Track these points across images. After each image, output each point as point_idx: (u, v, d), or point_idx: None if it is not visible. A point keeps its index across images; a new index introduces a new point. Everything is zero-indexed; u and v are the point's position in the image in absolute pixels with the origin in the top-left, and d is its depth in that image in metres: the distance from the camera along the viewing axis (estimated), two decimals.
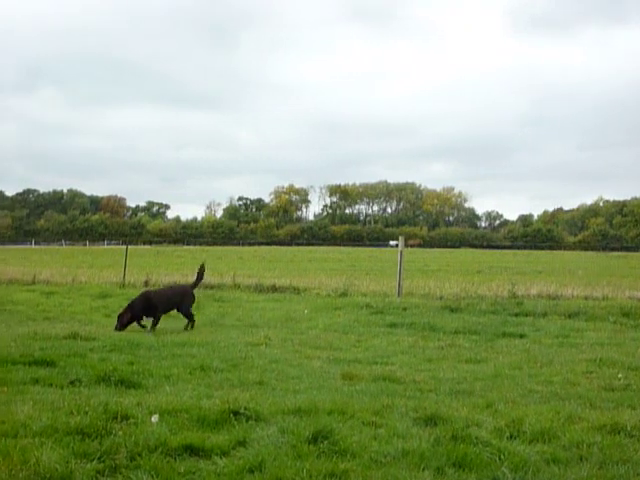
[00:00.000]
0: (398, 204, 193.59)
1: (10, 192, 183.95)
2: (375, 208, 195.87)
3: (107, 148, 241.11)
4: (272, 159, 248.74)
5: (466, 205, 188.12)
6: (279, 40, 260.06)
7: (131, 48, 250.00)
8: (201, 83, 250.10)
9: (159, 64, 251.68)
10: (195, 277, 18.11)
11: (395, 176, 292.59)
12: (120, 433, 6.52)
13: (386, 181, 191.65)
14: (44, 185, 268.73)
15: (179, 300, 16.67)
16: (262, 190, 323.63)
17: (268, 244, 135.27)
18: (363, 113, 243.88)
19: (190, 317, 16.56)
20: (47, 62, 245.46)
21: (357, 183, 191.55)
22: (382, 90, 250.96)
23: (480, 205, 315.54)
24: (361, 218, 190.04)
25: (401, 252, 24.20)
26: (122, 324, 15.53)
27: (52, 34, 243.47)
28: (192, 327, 16.30)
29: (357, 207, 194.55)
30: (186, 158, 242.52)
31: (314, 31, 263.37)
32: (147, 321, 16.10)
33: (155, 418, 7.04)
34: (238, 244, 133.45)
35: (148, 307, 16.05)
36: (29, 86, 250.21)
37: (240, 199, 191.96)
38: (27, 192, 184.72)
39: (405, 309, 19.63)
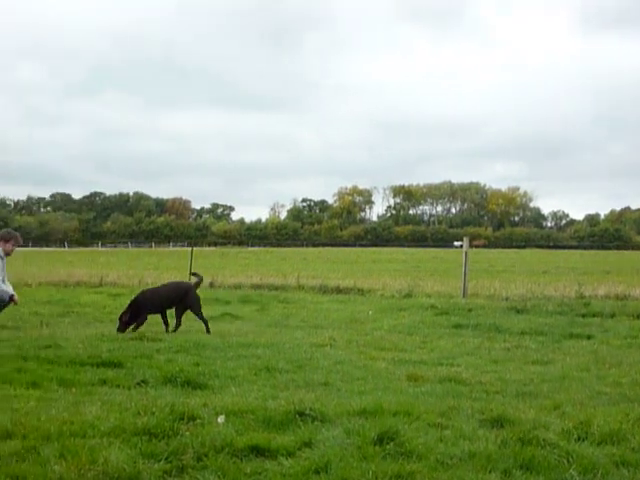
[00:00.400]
0: (462, 204, 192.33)
1: (77, 195, 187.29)
2: (439, 208, 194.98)
3: (171, 150, 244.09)
4: (335, 160, 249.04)
5: (531, 205, 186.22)
6: (341, 40, 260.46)
7: (195, 51, 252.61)
8: (264, 85, 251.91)
9: (222, 67, 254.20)
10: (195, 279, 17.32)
11: (459, 176, 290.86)
12: (187, 434, 6.58)
13: (450, 181, 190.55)
14: (110, 188, 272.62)
15: (179, 297, 15.89)
16: (325, 191, 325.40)
17: (332, 245, 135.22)
18: (426, 112, 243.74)
19: (200, 317, 15.73)
20: (113, 66, 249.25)
21: (421, 183, 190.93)
22: (445, 89, 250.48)
23: (546, 205, 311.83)
24: (425, 219, 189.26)
25: (466, 253, 24.06)
26: (124, 324, 15.28)
27: (117, 39, 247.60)
28: (208, 330, 15.35)
29: (421, 208, 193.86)
30: (250, 160, 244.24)
31: (375, 31, 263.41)
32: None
33: (221, 419, 7.09)
34: (302, 245, 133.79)
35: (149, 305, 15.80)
36: (95, 90, 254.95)
37: (304, 200, 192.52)
38: (94, 195, 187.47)
39: (470, 310, 19.50)
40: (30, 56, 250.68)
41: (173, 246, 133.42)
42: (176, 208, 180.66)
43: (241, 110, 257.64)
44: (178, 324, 15.56)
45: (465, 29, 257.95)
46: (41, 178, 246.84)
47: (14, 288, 14.62)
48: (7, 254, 14.99)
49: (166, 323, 15.55)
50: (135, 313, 15.27)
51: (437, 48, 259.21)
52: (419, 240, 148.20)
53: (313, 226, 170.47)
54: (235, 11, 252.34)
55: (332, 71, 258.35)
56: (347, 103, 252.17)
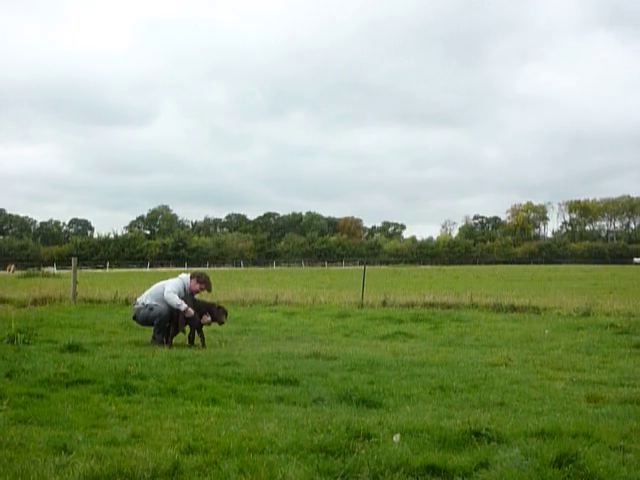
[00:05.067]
0: None
1: (252, 216, 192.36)
2: (617, 224, 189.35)
3: (348, 169, 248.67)
4: (513, 175, 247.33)
5: None
6: (527, 50, 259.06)
7: (379, 69, 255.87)
8: (448, 100, 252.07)
9: (404, 83, 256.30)
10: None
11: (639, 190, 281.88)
12: (362, 452, 6.62)
13: (628, 195, 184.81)
14: (284, 208, 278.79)
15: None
16: (499, 208, 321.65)
17: (505, 263, 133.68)
18: (612, 123, 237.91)
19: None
20: (296, 87, 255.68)
21: (597, 199, 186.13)
22: (635, 98, 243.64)
23: None
24: (602, 235, 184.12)
25: None
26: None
27: (300, 59, 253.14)
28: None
29: (598, 223, 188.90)
30: (425, 177, 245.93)
31: (567, 39, 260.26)
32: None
33: (397, 438, 7.10)
34: (474, 263, 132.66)
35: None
36: (279, 110, 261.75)
37: (475, 218, 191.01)
38: (267, 215, 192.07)
39: None
40: (215, 79, 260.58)
41: (345, 265, 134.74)
42: (348, 227, 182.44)
43: (423, 127, 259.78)
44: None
45: None
46: (218, 199, 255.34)
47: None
48: (191, 292, 15.96)
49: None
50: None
51: (630, 54, 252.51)
52: (596, 257, 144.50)
53: (486, 243, 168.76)
54: (419, 26, 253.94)
55: (517, 83, 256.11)
56: (532, 115, 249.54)
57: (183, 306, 15.53)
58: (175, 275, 16.67)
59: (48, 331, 17.41)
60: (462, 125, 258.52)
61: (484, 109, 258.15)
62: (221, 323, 16.07)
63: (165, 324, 15.71)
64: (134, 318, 16.45)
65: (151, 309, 15.85)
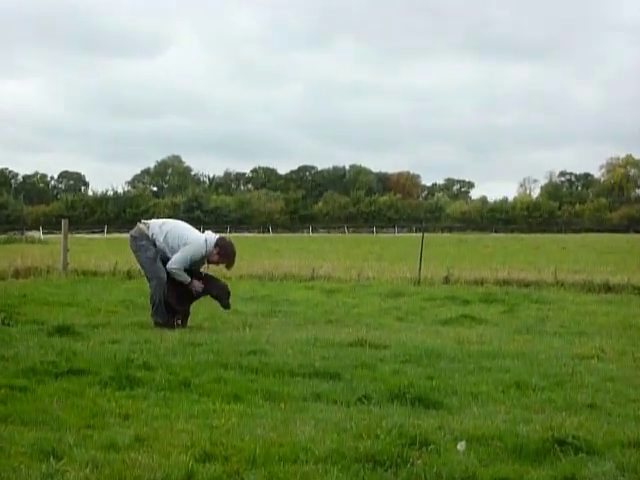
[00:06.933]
0: None
1: (283, 170, 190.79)
2: None
3: (406, 112, 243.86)
4: (609, 122, 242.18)
5: None
6: None
7: None
8: (530, 28, 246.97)
9: (481, 8, 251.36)
10: None
11: None
12: (419, 462, 6.65)
13: None
14: (323, 160, 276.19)
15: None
16: (591, 163, 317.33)
17: (599, 230, 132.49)
18: None
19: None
20: (346, 9, 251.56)
21: None
22: None
23: None
24: None
25: None
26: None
27: None
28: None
29: None
30: (501, 123, 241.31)
31: None
32: None
33: (461, 445, 7.12)
34: (560, 231, 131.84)
35: None
36: (323, 39, 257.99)
37: (562, 174, 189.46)
38: (303, 169, 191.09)
39: None
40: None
41: (399, 231, 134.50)
42: (402, 185, 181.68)
43: (502, 60, 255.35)
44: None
45: None
46: (242, 149, 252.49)
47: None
48: (209, 261, 15.93)
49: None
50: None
51: None
52: None
53: (574, 206, 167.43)
54: None
55: (624, 6, 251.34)
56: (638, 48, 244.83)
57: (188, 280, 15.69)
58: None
59: (33, 309, 17.60)
60: (548, 59, 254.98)
61: (577, 39, 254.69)
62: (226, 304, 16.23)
63: (163, 297, 15.57)
64: (132, 237, 16.24)
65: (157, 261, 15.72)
